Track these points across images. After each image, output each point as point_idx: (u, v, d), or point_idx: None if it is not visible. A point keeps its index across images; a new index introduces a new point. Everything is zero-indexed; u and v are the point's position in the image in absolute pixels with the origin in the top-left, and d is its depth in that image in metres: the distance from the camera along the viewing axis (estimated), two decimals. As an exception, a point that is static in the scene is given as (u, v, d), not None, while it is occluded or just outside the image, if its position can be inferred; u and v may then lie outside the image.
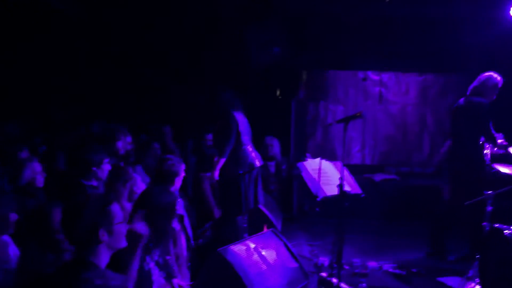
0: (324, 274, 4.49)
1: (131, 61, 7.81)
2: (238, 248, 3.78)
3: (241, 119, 4.86)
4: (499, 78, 4.99)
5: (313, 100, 7.36)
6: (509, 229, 3.89)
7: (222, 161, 4.71)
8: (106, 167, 3.91)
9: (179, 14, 7.18)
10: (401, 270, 4.76)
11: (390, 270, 4.78)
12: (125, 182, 3.55)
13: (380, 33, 7.31)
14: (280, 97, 8.04)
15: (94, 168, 3.81)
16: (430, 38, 7.16)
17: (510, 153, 4.76)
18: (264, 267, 3.77)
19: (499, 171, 4.44)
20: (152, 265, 2.78)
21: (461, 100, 5.18)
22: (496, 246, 3.97)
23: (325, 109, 7.30)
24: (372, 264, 4.89)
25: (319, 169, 4.08)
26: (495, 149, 4.92)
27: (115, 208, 2.23)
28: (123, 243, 2.22)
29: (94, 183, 3.89)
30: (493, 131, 4.89)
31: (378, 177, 6.96)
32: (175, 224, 3.84)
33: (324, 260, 4.98)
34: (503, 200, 4.42)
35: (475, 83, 5.08)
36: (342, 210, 3.84)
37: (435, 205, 6.32)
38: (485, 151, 4.98)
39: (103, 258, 2.14)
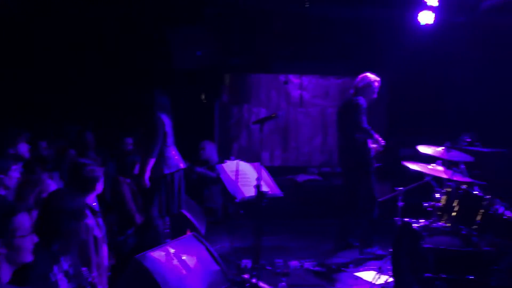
0: (246, 276, 4.51)
1: (48, 61, 7.45)
2: (157, 254, 3.71)
3: (167, 120, 4.84)
4: (373, 78, 5.38)
5: (236, 103, 7.41)
6: (417, 223, 4.12)
7: (152, 161, 4.64)
8: (14, 174, 3.70)
9: (98, 11, 6.97)
10: (321, 268, 4.88)
11: (311, 268, 4.89)
12: (33, 189, 3.36)
13: (300, 37, 7.51)
14: (205, 101, 8.02)
15: (1, 176, 3.59)
16: (347, 42, 7.46)
17: (419, 151, 5.03)
18: (184, 272, 3.73)
19: (408, 168, 4.66)
20: (60, 276, 2.64)
21: (345, 100, 5.55)
22: (406, 239, 4.19)
23: (248, 112, 7.37)
24: (294, 263, 4.98)
25: (237, 170, 4.09)
26: (376, 145, 5.27)
27: (20, 219, 2.10)
28: (28, 257, 2.09)
29: (2, 192, 3.66)
30: (369, 128, 5.22)
31: (301, 178, 7.11)
32: (97, 232, 3.71)
33: (247, 262, 5.00)
34: (412, 196, 4.69)
35: (353, 84, 5.48)
36: (260, 211, 3.88)
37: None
38: (371, 147, 5.31)
39: (3, 272, 2.01)
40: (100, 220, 3.70)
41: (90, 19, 7.12)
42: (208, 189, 6.59)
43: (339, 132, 5.58)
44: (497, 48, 5.93)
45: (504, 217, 3.82)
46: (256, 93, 7.39)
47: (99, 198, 4.53)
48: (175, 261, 3.76)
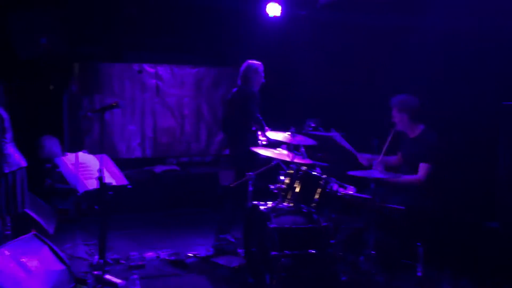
0: (98, 272, 4.34)
1: None
2: (-10, 258, 3.40)
3: (5, 114, 4.42)
4: (257, 63, 5.50)
5: (87, 94, 7.03)
6: (265, 205, 4.32)
7: None
8: None
9: None
10: (177, 257, 4.89)
11: (167, 258, 4.88)
12: None
13: (154, 26, 7.37)
14: (52, 92, 7.49)
15: None
16: (201, 32, 7.50)
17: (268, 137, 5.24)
18: (22, 274, 3.47)
19: (258, 154, 4.85)
20: None
21: (233, 90, 5.61)
22: (256, 221, 4.38)
23: (101, 103, 7.02)
24: (150, 254, 4.92)
25: (78, 162, 3.90)
26: (265, 138, 5.43)
27: None
28: None
29: None
30: (261, 119, 5.37)
31: (159, 168, 7.03)
32: None
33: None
34: (262, 180, 4.90)
35: (240, 74, 5.56)
36: (104, 203, 3.76)
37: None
38: (260, 138, 5.45)
39: None
40: None
41: None
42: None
43: (229, 123, 5.54)
44: (334, 41, 6.43)
45: (338, 194, 4.20)
46: (108, 83, 7.08)
47: None
48: (12, 264, 3.48)
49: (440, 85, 4.88)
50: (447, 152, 4.48)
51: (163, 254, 4.94)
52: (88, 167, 4.05)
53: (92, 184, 3.91)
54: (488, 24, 4.36)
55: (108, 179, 3.84)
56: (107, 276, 4.21)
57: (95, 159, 4.18)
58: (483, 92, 4.37)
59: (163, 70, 7.38)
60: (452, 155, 4.48)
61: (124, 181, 3.86)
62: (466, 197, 4.49)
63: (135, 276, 3.94)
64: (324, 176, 4.22)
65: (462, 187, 4.55)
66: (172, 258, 4.85)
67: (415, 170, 4.45)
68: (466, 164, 4.56)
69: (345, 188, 4.21)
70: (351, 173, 4.05)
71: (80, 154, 3.94)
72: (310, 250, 4.06)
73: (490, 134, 3.43)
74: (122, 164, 7.02)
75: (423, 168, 4.35)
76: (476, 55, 4.54)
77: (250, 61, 5.51)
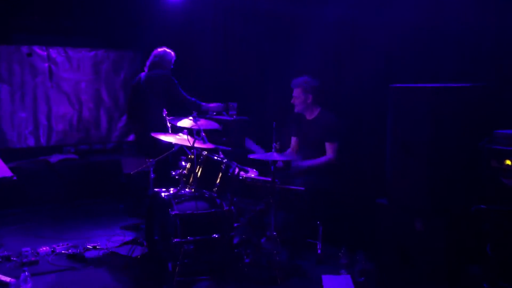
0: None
1: None
2: None
3: None
4: (172, 52, 5.50)
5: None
6: (167, 192, 4.23)
7: None
8: None
9: None
10: (75, 250, 4.65)
11: (64, 251, 4.62)
12: None
13: (46, 5, 6.89)
14: None
15: None
16: (98, 13, 7.13)
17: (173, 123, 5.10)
18: None
19: (160, 140, 4.71)
20: None
21: (142, 75, 5.43)
22: (157, 209, 4.28)
23: (-14, 88, 6.45)
24: (45, 249, 4.62)
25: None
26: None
27: None
28: None
29: None
30: (188, 97, 5.42)
31: (55, 158, 6.60)
32: None
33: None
34: (164, 166, 4.78)
35: (152, 59, 5.44)
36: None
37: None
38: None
39: None
40: None
41: None
42: None
43: (138, 111, 5.40)
44: (235, 25, 6.40)
45: (239, 177, 4.21)
46: (-6, 67, 6.49)
47: None
48: None
49: (332, 70, 5.05)
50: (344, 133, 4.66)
51: (60, 248, 4.67)
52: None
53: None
54: (373, 12, 4.58)
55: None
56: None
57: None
58: (372, 76, 4.58)
59: (56, 52, 6.90)
60: (348, 137, 4.67)
61: (8, 173, 3.54)
62: (361, 177, 4.71)
63: (26, 274, 3.67)
64: (225, 160, 4.21)
65: (357, 167, 4.76)
66: (70, 251, 4.60)
67: (315, 152, 4.57)
68: (362, 145, 4.77)
69: (246, 171, 4.23)
70: (252, 156, 4.07)
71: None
72: (213, 235, 4.05)
73: (381, 116, 3.61)
74: (14, 154, 6.56)
75: (330, 147, 4.52)
76: (365, 43, 4.74)
77: (167, 50, 5.47)
